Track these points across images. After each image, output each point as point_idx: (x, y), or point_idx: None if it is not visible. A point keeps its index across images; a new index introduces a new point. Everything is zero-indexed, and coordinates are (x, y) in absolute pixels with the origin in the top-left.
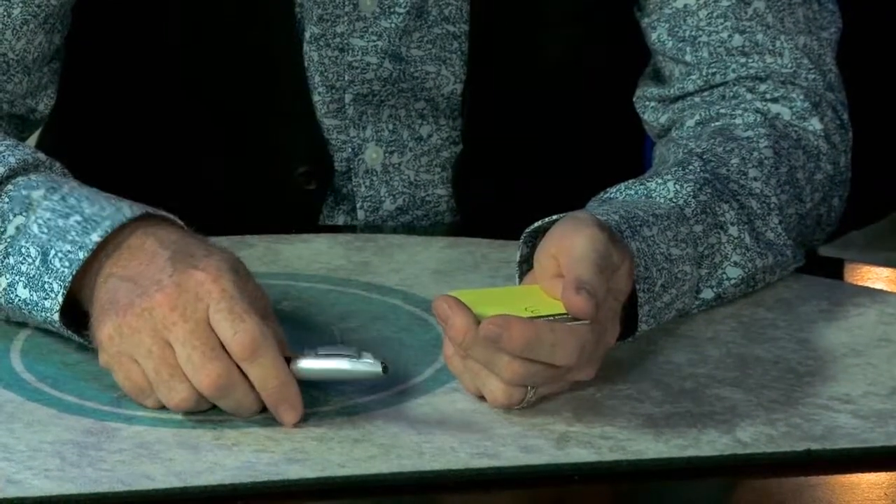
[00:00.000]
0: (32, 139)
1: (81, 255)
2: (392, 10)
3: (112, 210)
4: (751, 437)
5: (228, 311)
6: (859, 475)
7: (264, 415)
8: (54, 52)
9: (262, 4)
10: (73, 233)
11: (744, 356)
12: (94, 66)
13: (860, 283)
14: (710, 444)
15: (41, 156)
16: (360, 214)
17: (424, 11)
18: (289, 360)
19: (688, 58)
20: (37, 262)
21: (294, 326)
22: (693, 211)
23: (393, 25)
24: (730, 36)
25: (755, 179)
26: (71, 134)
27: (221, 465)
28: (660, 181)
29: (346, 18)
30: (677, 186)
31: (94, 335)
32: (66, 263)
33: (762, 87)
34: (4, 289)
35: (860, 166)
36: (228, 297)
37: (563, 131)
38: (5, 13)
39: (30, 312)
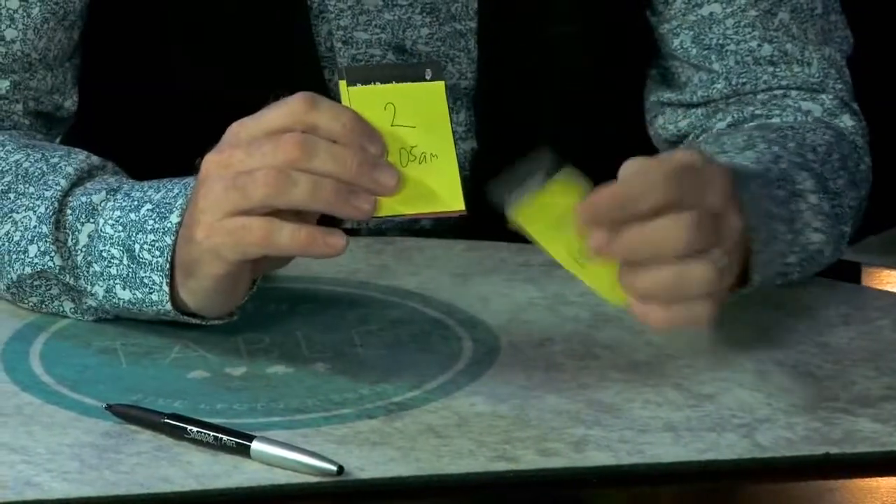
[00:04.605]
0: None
1: (168, 239)
2: (395, 2)
3: (180, 187)
4: (770, 440)
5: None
6: (878, 479)
7: (283, 417)
8: (74, 48)
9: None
10: (151, 221)
11: (763, 360)
12: (109, 77)
13: (879, 287)
14: (728, 447)
15: (95, 159)
16: None
17: (435, 8)
18: None
19: (715, 66)
20: (125, 261)
21: (312, 329)
22: (776, 175)
23: (396, 18)
24: (759, 45)
25: (814, 162)
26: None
27: (240, 468)
28: (734, 153)
29: (349, 12)
30: (756, 154)
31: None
32: (157, 253)
33: (793, 94)
34: (104, 296)
35: (879, 170)
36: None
37: (577, 128)
38: (25, 13)
39: (140, 310)
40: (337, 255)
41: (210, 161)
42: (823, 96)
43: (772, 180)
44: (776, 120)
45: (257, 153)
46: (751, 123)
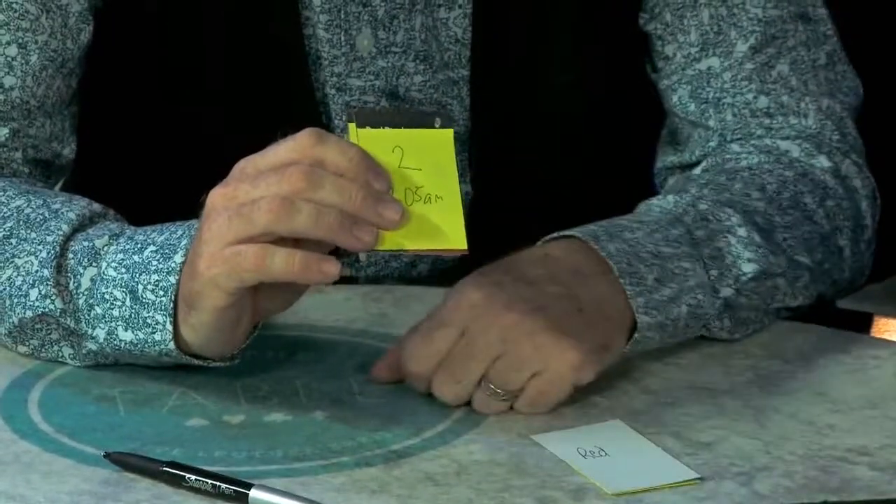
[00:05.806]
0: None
1: (172, 279)
2: (389, 49)
3: (184, 229)
4: (769, 489)
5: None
6: None
7: (282, 465)
8: (72, 95)
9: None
10: (154, 262)
11: (762, 408)
12: (111, 121)
13: (879, 336)
14: (727, 496)
15: (96, 206)
16: (362, 258)
17: (429, 56)
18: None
19: (711, 122)
20: (127, 302)
21: (311, 377)
22: (692, 218)
23: (390, 65)
24: (755, 97)
25: (758, 200)
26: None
27: None
28: (661, 197)
29: (343, 59)
30: (677, 198)
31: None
32: (161, 292)
33: (780, 143)
34: (105, 339)
35: (881, 220)
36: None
37: (571, 173)
38: (24, 60)
39: (141, 352)
40: (330, 282)
41: (216, 194)
42: (808, 145)
43: (683, 222)
44: (744, 163)
45: (262, 184)
46: (723, 167)
